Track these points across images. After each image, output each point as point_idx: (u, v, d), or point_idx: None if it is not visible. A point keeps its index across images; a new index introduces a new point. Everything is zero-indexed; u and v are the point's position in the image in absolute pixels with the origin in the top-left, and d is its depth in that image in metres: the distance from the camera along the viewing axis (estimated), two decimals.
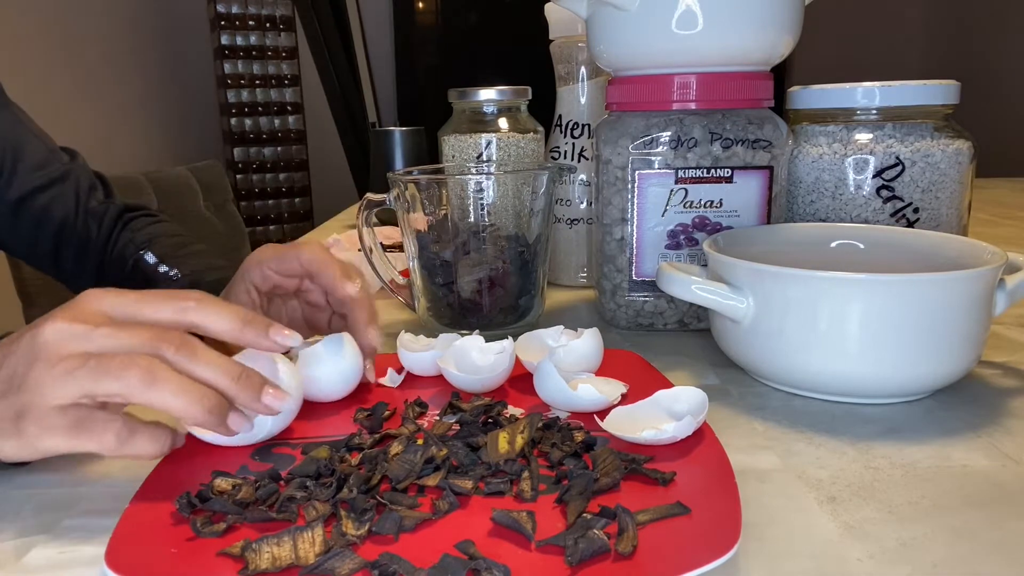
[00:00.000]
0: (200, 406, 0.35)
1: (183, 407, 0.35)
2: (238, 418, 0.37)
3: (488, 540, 0.31)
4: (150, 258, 0.65)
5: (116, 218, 0.71)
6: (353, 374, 0.47)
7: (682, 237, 0.60)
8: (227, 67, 2.90)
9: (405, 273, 0.65)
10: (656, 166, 0.58)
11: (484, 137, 0.73)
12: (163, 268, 0.64)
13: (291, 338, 0.40)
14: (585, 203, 0.76)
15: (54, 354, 0.35)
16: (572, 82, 0.77)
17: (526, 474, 0.36)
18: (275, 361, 0.42)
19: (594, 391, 0.43)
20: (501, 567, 0.29)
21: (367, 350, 0.48)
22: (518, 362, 0.49)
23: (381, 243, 0.64)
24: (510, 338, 0.49)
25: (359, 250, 0.64)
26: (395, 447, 0.38)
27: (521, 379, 0.49)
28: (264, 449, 0.41)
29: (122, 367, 0.34)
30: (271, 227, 3.01)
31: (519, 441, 0.38)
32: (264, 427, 0.41)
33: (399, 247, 0.79)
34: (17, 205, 0.67)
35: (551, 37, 0.77)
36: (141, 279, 0.65)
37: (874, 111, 0.60)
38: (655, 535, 0.31)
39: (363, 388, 0.49)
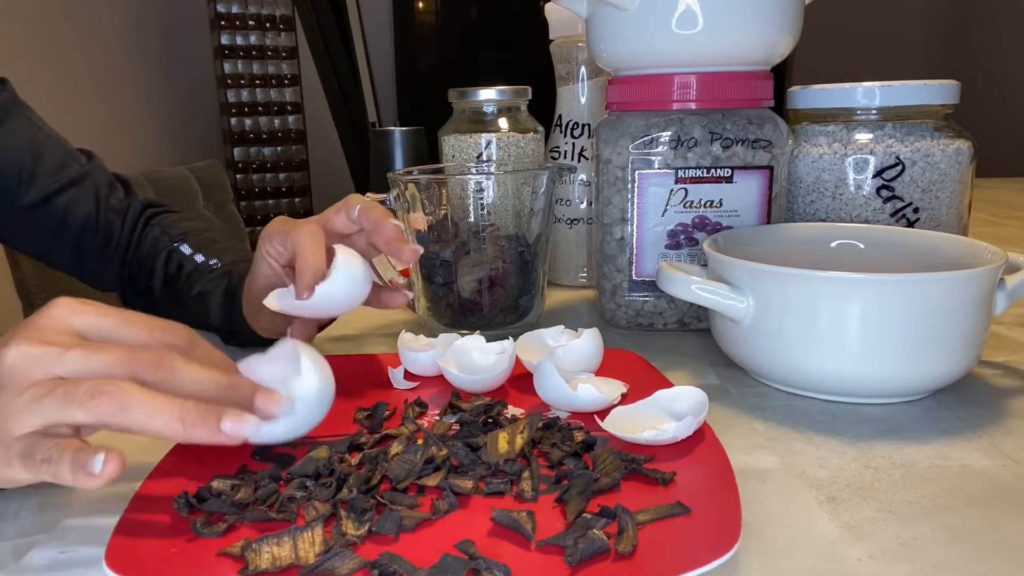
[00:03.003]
0: (179, 423, 0.32)
1: (161, 426, 0.32)
2: (234, 421, 0.33)
3: (488, 540, 0.31)
4: (186, 249, 0.64)
5: (139, 214, 0.71)
6: (358, 285, 0.48)
7: (682, 237, 0.60)
8: (227, 67, 2.90)
9: (405, 273, 0.65)
10: (656, 166, 0.58)
11: (484, 137, 0.73)
12: (200, 258, 0.63)
13: (267, 408, 0.35)
14: (585, 203, 0.76)
15: (21, 380, 0.33)
16: (572, 82, 0.76)
17: (526, 474, 0.36)
18: (300, 356, 0.40)
19: (594, 391, 0.43)
20: (501, 567, 0.29)
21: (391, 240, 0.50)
22: (518, 362, 0.49)
23: None
24: (510, 338, 0.49)
25: None
26: (395, 447, 0.38)
27: (521, 379, 0.49)
28: (264, 449, 0.41)
29: (90, 395, 0.32)
30: None
31: (519, 441, 0.38)
32: (288, 427, 0.39)
33: None
34: (37, 208, 0.67)
35: (551, 37, 0.77)
36: (175, 267, 0.64)
37: (874, 111, 0.60)
38: (655, 535, 0.31)
39: (364, 387, 0.49)
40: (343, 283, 0.47)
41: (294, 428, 0.39)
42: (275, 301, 0.47)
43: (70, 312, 0.35)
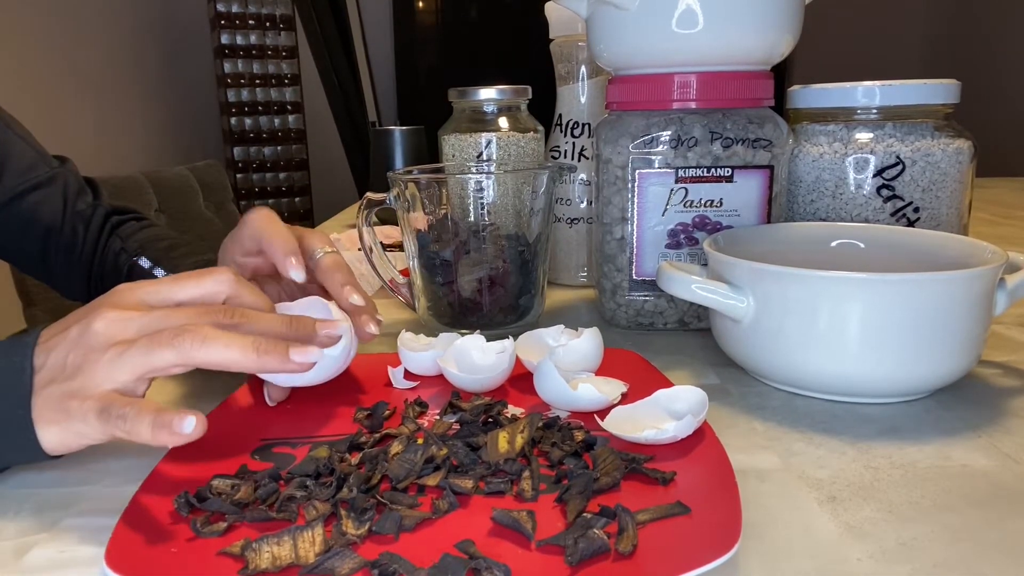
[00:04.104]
0: (254, 352, 0.37)
1: (238, 356, 0.37)
2: (301, 350, 0.39)
3: (488, 540, 0.31)
4: (144, 263, 0.65)
5: (103, 221, 0.71)
6: (331, 362, 0.44)
7: (682, 236, 0.60)
8: (227, 66, 2.91)
9: (405, 272, 0.65)
10: (656, 165, 0.58)
11: (484, 136, 0.73)
12: (160, 272, 0.64)
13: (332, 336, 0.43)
14: (585, 202, 0.76)
15: (107, 341, 0.36)
16: (572, 81, 0.76)
17: (526, 474, 0.36)
18: (328, 307, 0.46)
19: (594, 391, 0.43)
20: (501, 567, 0.29)
21: (350, 311, 0.48)
22: (518, 362, 0.49)
23: (381, 243, 0.63)
24: (510, 338, 0.49)
25: (359, 249, 0.64)
26: (395, 447, 0.38)
27: (521, 379, 0.49)
28: (264, 449, 0.41)
29: (173, 335, 0.36)
30: None
31: (519, 441, 0.38)
32: (325, 368, 0.44)
33: (399, 247, 0.79)
34: (3, 208, 0.67)
35: (551, 36, 0.77)
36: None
37: (874, 110, 0.60)
38: (655, 535, 0.31)
39: (363, 387, 0.49)
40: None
41: (326, 371, 0.44)
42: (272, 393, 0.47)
43: (132, 288, 0.40)
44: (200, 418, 0.35)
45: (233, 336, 0.37)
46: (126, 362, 0.36)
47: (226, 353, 0.37)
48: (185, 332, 0.36)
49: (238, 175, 2.99)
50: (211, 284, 0.40)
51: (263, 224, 0.50)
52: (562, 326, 0.52)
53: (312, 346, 0.40)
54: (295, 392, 0.48)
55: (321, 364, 0.43)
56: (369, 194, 0.62)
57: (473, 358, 0.50)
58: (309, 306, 0.47)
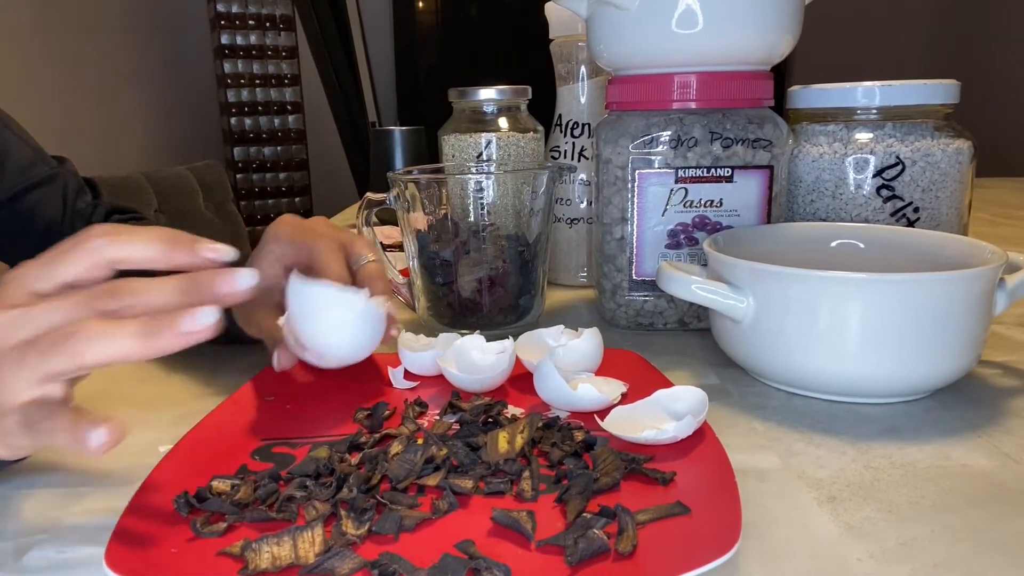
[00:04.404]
0: (141, 339, 0.33)
1: (126, 350, 0.33)
2: (191, 317, 0.34)
3: (488, 540, 0.31)
4: None
5: (103, 220, 0.71)
6: (367, 331, 0.46)
7: (682, 237, 0.60)
8: (227, 67, 2.90)
9: (405, 273, 0.65)
10: (656, 165, 0.58)
11: (484, 136, 0.73)
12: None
13: (223, 252, 0.37)
14: (585, 203, 0.76)
15: (1, 348, 0.34)
16: (572, 81, 0.76)
17: (526, 474, 0.36)
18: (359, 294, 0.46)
19: (594, 391, 0.43)
20: (501, 567, 0.29)
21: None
22: (518, 362, 0.49)
23: (381, 243, 0.64)
24: (510, 338, 0.49)
25: None
26: (395, 447, 0.38)
27: (521, 379, 0.49)
28: (264, 449, 0.41)
29: (59, 340, 0.33)
30: None
31: (519, 441, 0.38)
32: (351, 349, 0.46)
33: (399, 247, 0.79)
34: (2, 207, 0.67)
35: (551, 36, 0.77)
36: None
37: (874, 110, 0.60)
38: (655, 535, 0.31)
39: (364, 387, 0.49)
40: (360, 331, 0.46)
41: (356, 350, 0.46)
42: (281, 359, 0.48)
43: (17, 275, 0.36)
44: (112, 426, 0.32)
45: (116, 328, 0.33)
46: (24, 370, 0.33)
47: (114, 348, 0.33)
48: (69, 335, 0.33)
49: (238, 175, 2.99)
50: (87, 256, 0.36)
51: (325, 260, 0.49)
52: (562, 326, 0.52)
53: (204, 306, 0.34)
54: (295, 392, 0.48)
55: (351, 340, 0.45)
56: (369, 194, 0.62)
57: (473, 358, 0.50)
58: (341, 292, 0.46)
